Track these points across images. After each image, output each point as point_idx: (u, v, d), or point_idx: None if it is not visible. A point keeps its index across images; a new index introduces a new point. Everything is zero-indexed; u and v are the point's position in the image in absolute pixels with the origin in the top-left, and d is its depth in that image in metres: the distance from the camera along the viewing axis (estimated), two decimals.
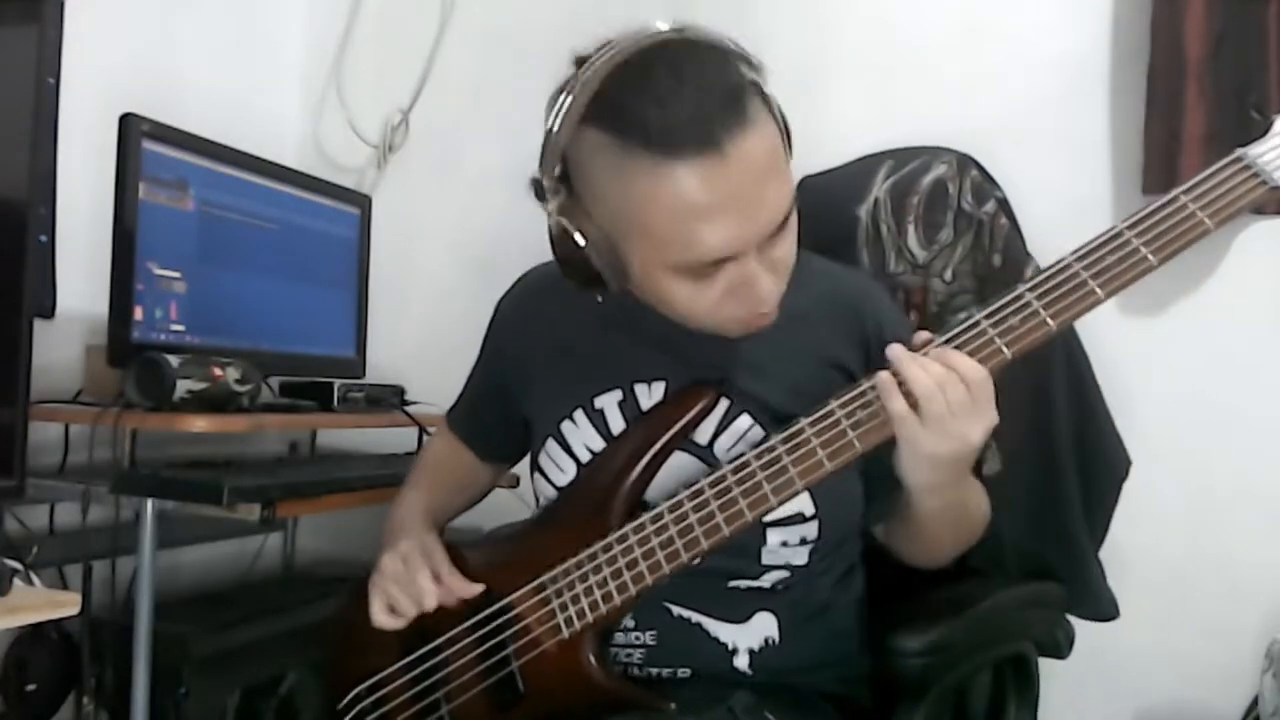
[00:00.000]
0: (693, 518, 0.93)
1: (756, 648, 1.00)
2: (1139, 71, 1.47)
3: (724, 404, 1.00)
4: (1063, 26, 1.58)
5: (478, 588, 1.01)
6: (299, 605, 1.62)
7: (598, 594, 0.96)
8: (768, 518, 0.94)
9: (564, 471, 1.05)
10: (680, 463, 1.00)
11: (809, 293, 1.04)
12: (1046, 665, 1.21)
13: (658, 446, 0.99)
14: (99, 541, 1.34)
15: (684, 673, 1.00)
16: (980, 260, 1.28)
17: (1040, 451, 1.24)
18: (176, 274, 1.51)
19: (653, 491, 0.99)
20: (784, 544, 0.99)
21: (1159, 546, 1.48)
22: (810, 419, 0.91)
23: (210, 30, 1.94)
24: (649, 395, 1.03)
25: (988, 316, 0.88)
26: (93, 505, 1.32)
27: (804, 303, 1.03)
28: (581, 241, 0.89)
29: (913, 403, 0.85)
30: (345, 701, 1.07)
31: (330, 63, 2.11)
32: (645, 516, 0.96)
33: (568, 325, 1.10)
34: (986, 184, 1.30)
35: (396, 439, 1.75)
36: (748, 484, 0.92)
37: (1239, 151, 0.88)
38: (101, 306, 1.43)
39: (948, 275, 1.28)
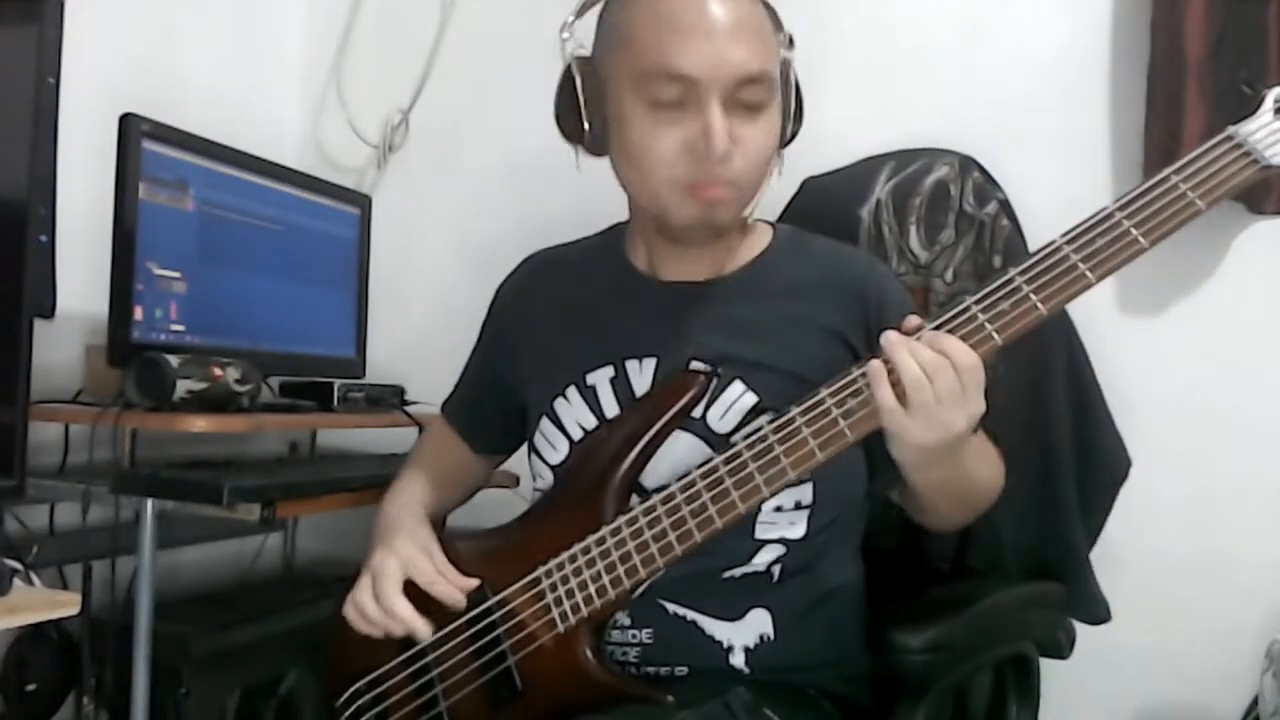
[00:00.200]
0: (685, 510, 0.93)
1: (752, 645, 1.00)
2: (1139, 71, 1.47)
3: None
4: (1062, 26, 1.58)
5: (473, 582, 1.01)
6: (299, 605, 1.62)
7: (592, 588, 0.96)
8: None
9: (557, 450, 1.06)
10: (674, 439, 1.00)
11: (811, 268, 1.06)
12: (1046, 665, 1.21)
13: (649, 436, 0.99)
14: (99, 541, 1.34)
15: (681, 671, 1.00)
16: (981, 261, 1.28)
17: (1039, 451, 1.24)
18: (176, 274, 1.50)
19: (647, 472, 1.00)
20: (778, 509, 0.99)
21: (1159, 546, 1.48)
22: (801, 408, 0.91)
23: (210, 30, 1.94)
24: (640, 371, 1.04)
25: (978, 301, 0.87)
26: (93, 505, 1.32)
27: (805, 276, 1.05)
28: (580, 84, 0.99)
29: (900, 392, 0.85)
30: (343, 699, 1.07)
31: (330, 63, 2.11)
32: (638, 509, 0.96)
33: (564, 304, 1.12)
34: (988, 185, 1.30)
35: (396, 439, 1.75)
36: (739, 475, 0.92)
37: (1230, 129, 0.87)
38: (101, 306, 1.43)
39: (949, 276, 1.29)
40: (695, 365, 1.01)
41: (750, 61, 0.94)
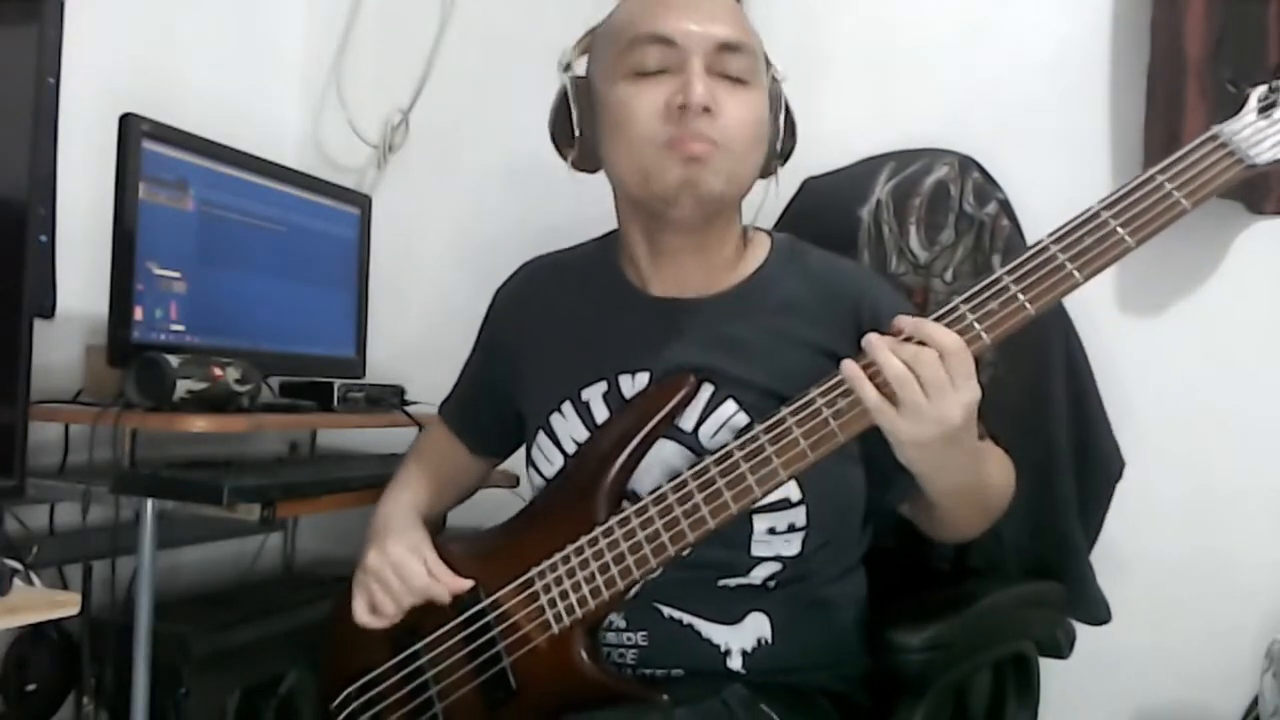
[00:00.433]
0: (678, 510, 0.93)
1: (749, 648, 1.00)
2: (1139, 71, 1.47)
3: (708, 390, 1.00)
4: (1062, 26, 1.58)
5: (467, 583, 1.01)
6: (299, 605, 1.62)
7: (586, 589, 0.96)
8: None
9: (552, 464, 1.06)
10: (665, 451, 1.00)
11: (804, 282, 1.05)
12: (1046, 665, 1.21)
13: (640, 436, 0.99)
14: (99, 541, 1.33)
15: (677, 673, 1.00)
16: (981, 261, 1.28)
17: (1039, 451, 1.24)
18: (176, 274, 1.50)
19: (638, 480, 0.99)
20: (772, 530, 0.98)
21: (1159, 546, 1.48)
22: (792, 408, 0.91)
23: (210, 30, 1.94)
24: (633, 385, 1.03)
25: (966, 301, 0.87)
26: (93, 505, 1.32)
27: (798, 291, 1.04)
28: (570, 90, 1.02)
29: (889, 391, 0.84)
30: (338, 701, 1.07)
31: (330, 63, 2.11)
32: (630, 509, 0.96)
33: (560, 314, 1.11)
34: (988, 185, 1.30)
35: (396, 439, 1.74)
36: (731, 475, 0.92)
37: (1215, 129, 0.87)
38: (101, 306, 1.43)
39: (949, 276, 1.29)
40: (685, 365, 1.00)
41: (731, 30, 0.98)
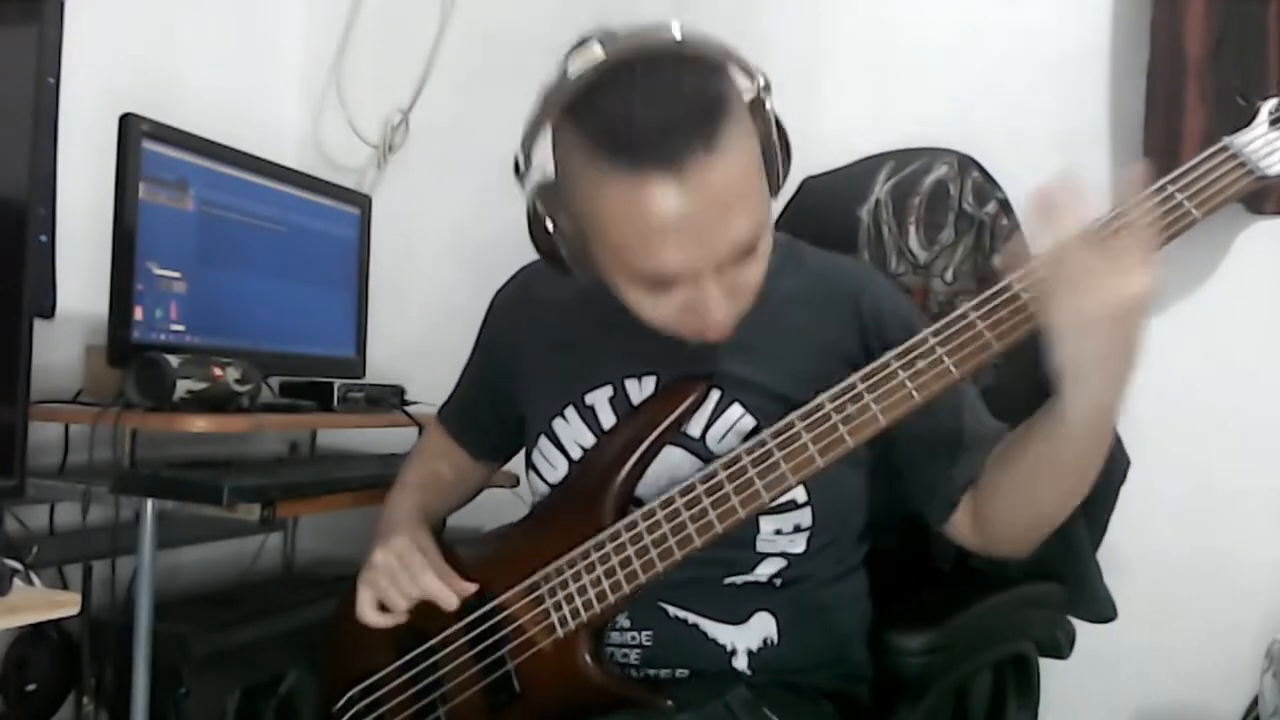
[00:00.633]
0: (685, 515, 0.93)
1: (755, 648, 1.00)
2: (1139, 71, 1.47)
3: (715, 395, 1.00)
4: (1062, 26, 1.58)
5: (472, 586, 1.01)
6: (299, 605, 1.62)
7: (591, 593, 0.95)
8: None
9: (556, 469, 1.06)
10: (673, 456, 1.00)
11: (805, 280, 1.05)
12: (1046, 665, 1.21)
13: (648, 442, 0.98)
14: (99, 541, 1.34)
15: (682, 673, 1.00)
16: (981, 261, 1.28)
17: None
18: (176, 274, 1.51)
19: (645, 487, 0.99)
20: (778, 531, 0.98)
21: (1159, 546, 1.48)
22: (800, 413, 0.91)
23: (210, 30, 1.94)
24: (639, 390, 1.03)
25: (976, 308, 0.88)
26: (93, 505, 1.32)
27: (799, 289, 1.03)
28: (551, 228, 0.89)
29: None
30: (341, 703, 1.07)
31: (330, 63, 2.11)
32: (637, 513, 0.95)
33: (561, 321, 1.10)
34: (987, 185, 1.30)
35: (396, 439, 1.75)
36: (740, 480, 0.92)
37: (1225, 140, 0.88)
38: (101, 306, 1.43)
39: (949, 276, 1.28)
40: (692, 371, 1.00)
41: (741, 239, 0.85)
